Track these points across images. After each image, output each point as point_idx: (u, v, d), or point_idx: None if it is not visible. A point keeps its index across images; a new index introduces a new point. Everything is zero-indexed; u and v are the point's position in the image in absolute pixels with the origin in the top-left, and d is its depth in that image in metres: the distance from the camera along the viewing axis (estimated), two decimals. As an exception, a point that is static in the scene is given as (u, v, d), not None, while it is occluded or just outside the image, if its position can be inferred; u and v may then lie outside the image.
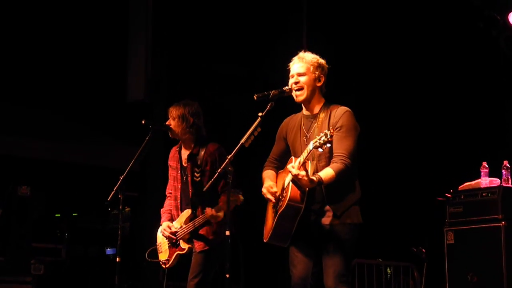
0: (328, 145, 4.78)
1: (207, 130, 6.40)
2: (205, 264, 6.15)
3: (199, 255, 6.17)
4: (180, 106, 6.30)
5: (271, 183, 5.34)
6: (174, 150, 6.48)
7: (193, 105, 6.32)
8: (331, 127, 4.97)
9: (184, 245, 6.23)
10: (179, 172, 6.37)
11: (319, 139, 4.78)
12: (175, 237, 6.26)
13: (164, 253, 6.37)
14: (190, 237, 6.23)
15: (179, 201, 6.35)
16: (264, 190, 5.33)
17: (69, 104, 11.59)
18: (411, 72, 10.09)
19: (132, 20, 10.34)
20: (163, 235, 6.35)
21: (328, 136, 4.74)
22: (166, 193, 6.54)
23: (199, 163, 6.22)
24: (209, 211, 6.07)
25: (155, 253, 6.45)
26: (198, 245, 6.18)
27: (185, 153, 6.36)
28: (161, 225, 6.43)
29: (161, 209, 6.50)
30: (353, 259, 7.02)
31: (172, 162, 6.45)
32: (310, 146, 4.86)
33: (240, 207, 6.17)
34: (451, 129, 9.89)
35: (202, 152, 6.24)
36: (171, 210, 6.42)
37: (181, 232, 6.25)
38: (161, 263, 6.41)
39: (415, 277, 8.74)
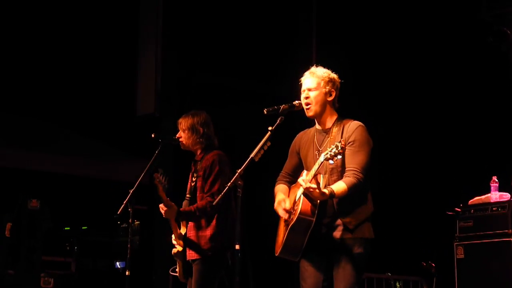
0: (339, 157, 4.78)
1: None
2: (202, 278, 6.04)
3: (195, 267, 6.08)
4: (189, 117, 6.29)
5: (282, 198, 5.33)
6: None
7: (201, 115, 6.31)
8: (342, 140, 4.96)
9: (173, 250, 6.18)
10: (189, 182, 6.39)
11: (330, 151, 4.77)
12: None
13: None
14: (184, 243, 6.17)
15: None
16: (276, 205, 5.32)
17: (79, 118, 11.63)
18: (420, 87, 10.08)
19: (141, 33, 10.37)
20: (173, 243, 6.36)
21: (339, 148, 4.74)
22: None
23: (198, 168, 6.22)
24: (161, 207, 6.02)
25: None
26: (190, 253, 6.10)
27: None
28: None
29: None
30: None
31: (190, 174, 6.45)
32: (321, 158, 4.85)
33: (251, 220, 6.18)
34: (461, 144, 9.87)
35: (203, 159, 6.23)
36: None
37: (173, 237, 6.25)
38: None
39: (425, 291, 8.71)
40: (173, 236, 6.22)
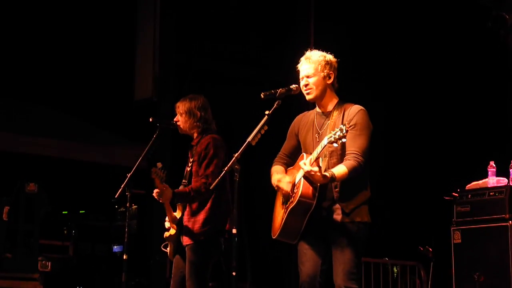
0: (344, 140, 4.76)
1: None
2: (195, 263, 6.04)
3: (188, 253, 6.07)
4: (187, 100, 6.28)
5: (281, 175, 5.33)
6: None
7: (199, 99, 6.29)
8: (347, 123, 4.95)
9: (170, 232, 6.19)
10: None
11: (334, 134, 4.76)
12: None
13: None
14: (178, 227, 6.17)
15: None
16: (275, 181, 5.31)
17: (77, 102, 11.63)
18: (419, 71, 10.09)
19: (139, 18, 10.36)
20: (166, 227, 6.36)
21: (344, 131, 4.72)
22: None
23: (194, 153, 6.22)
24: (155, 192, 6.03)
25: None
26: (185, 238, 6.10)
27: None
28: None
29: None
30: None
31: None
32: (325, 141, 4.84)
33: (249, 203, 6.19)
34: (458, 129, 9.88)
35: (199, 143, 6.22)
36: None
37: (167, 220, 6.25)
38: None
39: (422, 276, 8.73)
40: (166, 219, 6.24)
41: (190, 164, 6.20)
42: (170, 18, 10.08)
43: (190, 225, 6.08)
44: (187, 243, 6.09)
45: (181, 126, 6.28)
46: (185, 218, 6.13)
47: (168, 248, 6.28)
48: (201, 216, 6.07)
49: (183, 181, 6.24)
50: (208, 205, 6.07)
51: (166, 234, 6.20)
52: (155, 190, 5.99)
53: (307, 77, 5.26)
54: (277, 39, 10.27)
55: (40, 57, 11.65)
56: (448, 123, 9.96)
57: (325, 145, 4.85)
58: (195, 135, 6.29)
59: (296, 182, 5.20)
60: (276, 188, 5.34)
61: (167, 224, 6.25)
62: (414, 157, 9.99)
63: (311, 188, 5.05)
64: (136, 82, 10.20)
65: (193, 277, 6.03)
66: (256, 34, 10.33)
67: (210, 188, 5.65)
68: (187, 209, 6.14)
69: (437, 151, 9.92)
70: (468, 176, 7.64)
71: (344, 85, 5.43)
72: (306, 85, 5.25)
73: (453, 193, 7.51)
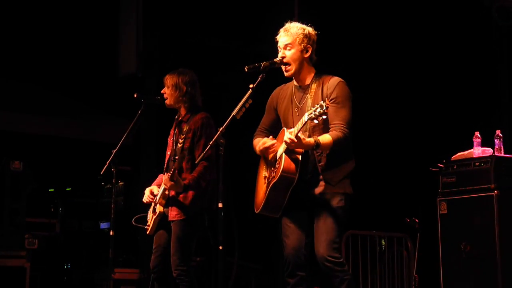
0: (324, 116, 4.76)
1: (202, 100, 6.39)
2: (182, 238, 6.08)
3: (174, 228, 6.10)
4: (175, 74, 6.32)
5: (265, 139, 5.31)
6: (175, 119, 6.47)
7: (187, 74, 6.33)
8: (326, 98, 4.95)
9: (158, 209, 6.18)
10: (172, 139, 6.37)
11: (314, 111, 4.75)
12: (153, 201, 6.24)
13: (149, 221, 6.36)
14: (166, 203, 6.19)
15: (165, 166, 6.34)
16: (261, 146, 5.29)
17: (61, 78, 11.56)
18: (402, 42, 10.06)
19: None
20: (144, 201, 6.33)
21: (324, 108, 4.71)
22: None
23: (184, 130, 6.21)
24: (166, 180, 6.03)
25: (144, 220, 6.43)
26: (172, 214, 6.12)
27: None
28: None
29: None
30: (346, 229, 7.04)
31: (171, 131, 6.45)
32: (305, 117, 4.83)
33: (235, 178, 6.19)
34: (443, 99, 9.88)
35: (190, 120, 6.22)
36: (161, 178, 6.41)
37: (158, 195, 6.22)
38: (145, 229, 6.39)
39: (409, 247, 8.78)
40: (156, 196, 6.22)
41: (181, 141, 6.18)
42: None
43: (181, 199, 6.08)
44: (175, 219, 6.09)
45: (167, 99, 6.28)
46: (173, 193, 6.12)
47: (150, 223, 6.25)
48: (191, 192, 6.08)
49: (176, 157, 6.21)
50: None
51: (159, 208, 6.17)
52: (169, 182, 5.96)
53: (284, 48, 5.23)
54: (261, 12, 10.20)
55: (23, 33, 11.57)
56: (433, 94, 9.95)
57: (306, 122, 4.85)
58: (183, 110, 6.29)
59: (277, 157, 5.19)
60: (262, 152, 5.31)
61: (154, 201, 6.24)
62: (399, 129, 9.99)
63: (292, 163, 5.05)
64: (121, 57, 10.13)
65: (179, 252, 6.04)
66: (240, 8, 10.26)
67: (196, 162, 5.67)
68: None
69: (422, 122, 9.92)
70: (454, 147, 7.65)
71: (327, 57, 5.41)
72: (283, 57, 5.22)
73: (439, 164, 7.52)
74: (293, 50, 5.23)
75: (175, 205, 6.11)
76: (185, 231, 6.08)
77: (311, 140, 4.93)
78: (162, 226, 6.20)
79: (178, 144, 6.21)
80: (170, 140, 6.42)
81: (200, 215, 6.11)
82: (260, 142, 5.34)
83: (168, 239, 6.16)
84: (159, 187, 6.25)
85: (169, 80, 6.30)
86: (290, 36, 5.23)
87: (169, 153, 6.34)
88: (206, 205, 6.09)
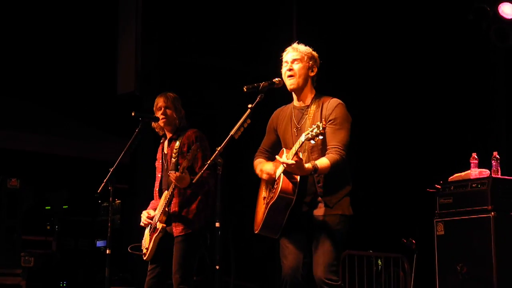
0: (321, 137, 4.77)
1: (197, 122, 6.43)
2: (186, 254, 6.08)
3: (180, 244, 6.09)
4: (169, 95, 6.37)
5: (264, 163, 5.34)
6: (161, 143, 6.50)
7: (177, 96, 6.40)
8: (323, 119, 4.97)
9: (158, 225, 6.16)
10: (160, 161, 6.37)
11: (311, 131, 4.76)
12: (152, 221, 6.23)
13: (147, 245, 6.34)
14: (167, 219, 6.18)
15: (157, 189, 6.35)
16: (258, 171, 5.32)
17: (59, 97, 11.58)
18: (400, 64, 10.09)
19: (121, 12, 10.30)
20: (142, 224, 6.31)
21: (321, 128, 4.72)
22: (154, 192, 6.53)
23: (177, 146, 6.22)
24: (172, 174, 6.04)
25: (139, 247, 6.43)
26: (177, 229, 6.12)
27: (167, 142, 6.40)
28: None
29: None
30: (343, 250, 7.03)
31: (158, 155, 6.46)
32: (302, 138, 4.84)
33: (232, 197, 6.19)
34: (441, 121, 9.90)
35: (181, 137, 6.26)
36: (154, 203, 6.41)
37: (157, 214, 6.21)
38: (143, 255, 6.37)
39: (406, 268, 8.76)
40: (156, 213, 6.21)
41: (175, 155, 6.19)
42: (152, 11, 10.04)
43: (184, 214, 6.11)
44: (181, 233, 6.10)
45: (168, 120, 6.29)
46: (175, 208, 6.13)
47: (148, 246, 6.23)
48: (193, 207, 6.11)
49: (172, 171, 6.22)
50: (199, 197, 6.14)
51: (160, 225, 6.15)
52: (175, 174, 5.97)
53: (292, 62, 5.27)
54: (260, 34, 10.24)
55: (23, 52, 11.60)
56: (431, 115, 9.97)
57: (303, 142, 4.86)
58: (172, 130, 6.32)
59: (276, 178, 5.20)
60: (261, 175, 5.34)
61: (153, 218, 6.23)
62: (397, 149, 10.01)
63: (290, 183, 5.06)
64: (119, 76, 10.15)
65: (182, 269, 6.05)
66: (239, 28, 10.30)
67: (193, 181, 5.68)
68: (176, 200, 6.15)
69: (420, 143, 9.94)
70: (451, 168, 7.66)
71: (324, 77, 5.44)
72: (290, 70, 5.26)
73: (436, 185, 7.53)
74: (300, 64, 5.27)
75: (179, 221, 6.12)
76: (191, 245, 6.10)
77: (309, 165, 4.95)
78: (160, 247, 6.19)
79: (173, 159, 6.21)
80: (158, 164, 6.43)
81: (204, 230, 6.12)
82: (259, 167, 5.35)
83: (165, 260, 6.16)
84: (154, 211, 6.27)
85: (167, 101, 6.32)
86: (299, 53, 5.29)
87: (159, 175, 6.35)
88: (209, 221, 6.08)
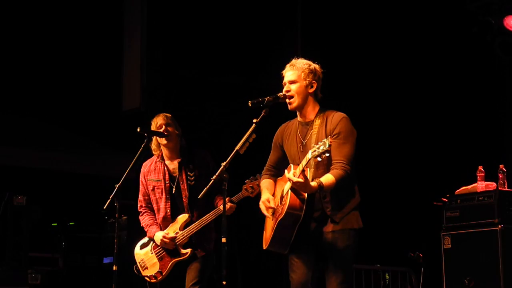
0: (327, 154, 4.76)
1: (202, 137, 6.45)
2: (204, 270, 6.17)
3: (198, 264, 6.16)
4: (165, 114, 6.38)
5: (268, 197, 5.32)
6: (150, 164, 6.45)
7: (171, 115, 6.41)
8: (329, 136, 4.96)
9: (184, 251, 6.18)
10: (164, 183, 6.34)
11: (318, 148, 4.76)
12: (174, 244, 6.22)
13: (151, 268, 6.30)
14: (188, 242, 6.20)
15: (166, 212, 6.30)
16: (261, 205, 5.32)
17: (65, 113, 11.60)
18: (407, 77, 10.09)
19: (126, 28, 10.35)
20: (161, 244, 6.27)
21: (327, 145, 4.71)
22: (139, 209, 6.48)
23: (191, 167, 6.22)
24: (220, 203, 6.05)
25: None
26: (201, 250, 6.20)
27: (171, 164, 6.34)
28: (150, 239, 6.39)
29: (143, 224, 6.44)
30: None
31: (152, 176, 6.40)
32: (309, 155, 4.83)
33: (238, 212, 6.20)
34: (447, 134, 9.89)
35: (193, 158, 6.26)
36: (156, 222, 6.38)
37: (180, 237, 6.20)
38: (147, 278, 6.35)
39: (413, 282, 8.74)
40: (176, 237, 6.22)
41: (192, 179, 6.19)
42: (157, 28, 10.06)
43: (207, 234, 6.19)
44: (203, 254, 6.18)
45: (171, 136, 6.28)
46: (196, 229, 6.15)
47: (165, 270, 6.23)
48: (211, 225, 6.19)
49: (185, 197, 6.24)
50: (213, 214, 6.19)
51: (187, 250, 6.17)
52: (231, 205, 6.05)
53: (289, 83, 5.25)
54: (265, 47, 10.26)
55: (28, 68, 11.63)
56: (437, 128, 9.97)
57: (309, 159, 4.85)
58: (177, 152, 6.29)
59: (284, 194, 5.19)
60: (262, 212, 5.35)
61: (170, 234, 6.21)
62: (403, 163, 10.00)
63: (298, 200, 5.05)
64: (124, 92, 10.18)
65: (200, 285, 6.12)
66: (243, 43, 10.31)
67: (199, 197, 5.67)
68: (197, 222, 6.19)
69: (426, 156, 9.93)
70: (457, 181, 7.65)
71: (330, 91, 5.43)
72: (287, 91, 5.24)
73: (443, 199, 7.52)
74: (297, 84, 5.23)
75: (205, 239, 6.21)
76: (206, 265, 6.20)
77: (314, 183, 4.93)
78: (177, 269, 6.22)
79: (189, 182, 6.20)
80: (157, 185, 6.37)
81: (221, 248, 6.16)
82: (262, 198, 5.34)
83: (173, 279, 6.19)
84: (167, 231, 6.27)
85: (166, 119, 6.32)
86: (296, 71, 5.25)
87: (163, 197, 6.31)
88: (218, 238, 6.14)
